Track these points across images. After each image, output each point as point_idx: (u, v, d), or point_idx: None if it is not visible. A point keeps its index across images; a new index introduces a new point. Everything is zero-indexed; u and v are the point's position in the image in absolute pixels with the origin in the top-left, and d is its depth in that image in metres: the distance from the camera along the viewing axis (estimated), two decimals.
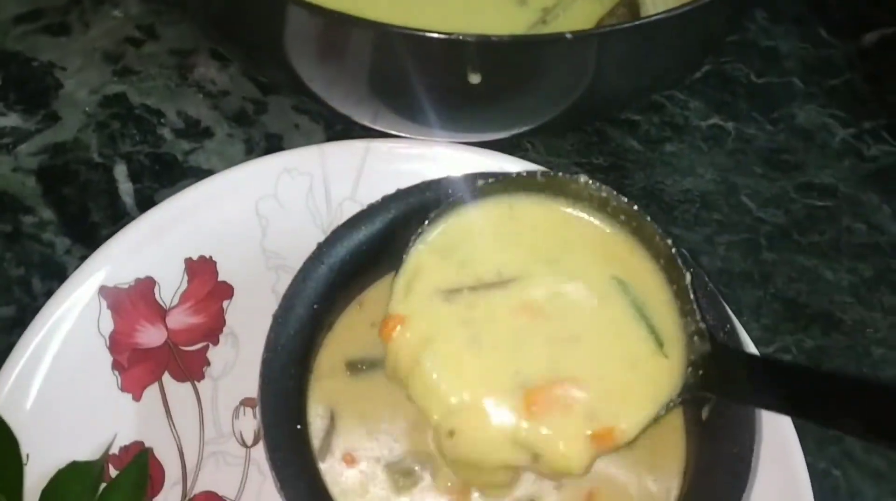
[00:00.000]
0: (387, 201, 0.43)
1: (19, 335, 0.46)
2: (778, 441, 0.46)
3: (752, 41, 0.63)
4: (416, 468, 0.41)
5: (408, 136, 0.52)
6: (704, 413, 0.40)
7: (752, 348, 0.47)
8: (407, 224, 0.43)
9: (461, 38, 0.40)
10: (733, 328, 0.41)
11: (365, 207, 0.43)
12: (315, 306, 0.41)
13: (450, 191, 0.43)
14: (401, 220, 0.43)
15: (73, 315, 0.47)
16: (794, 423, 0.45)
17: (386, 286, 0.42)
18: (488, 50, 0.41)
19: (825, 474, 0.49)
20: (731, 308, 0.43)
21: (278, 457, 0.37)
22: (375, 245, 0.43)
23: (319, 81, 0.49)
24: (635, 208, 0.41)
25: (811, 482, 0.45)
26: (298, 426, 0.38)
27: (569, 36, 0.41)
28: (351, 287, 0.43)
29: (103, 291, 0.48)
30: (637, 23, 0.42)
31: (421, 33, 0.40)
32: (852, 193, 0.57)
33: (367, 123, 0.51)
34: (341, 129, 0.57)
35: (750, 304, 0.53)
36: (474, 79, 0.44)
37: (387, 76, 0.46)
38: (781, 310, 0.53)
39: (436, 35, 0.40)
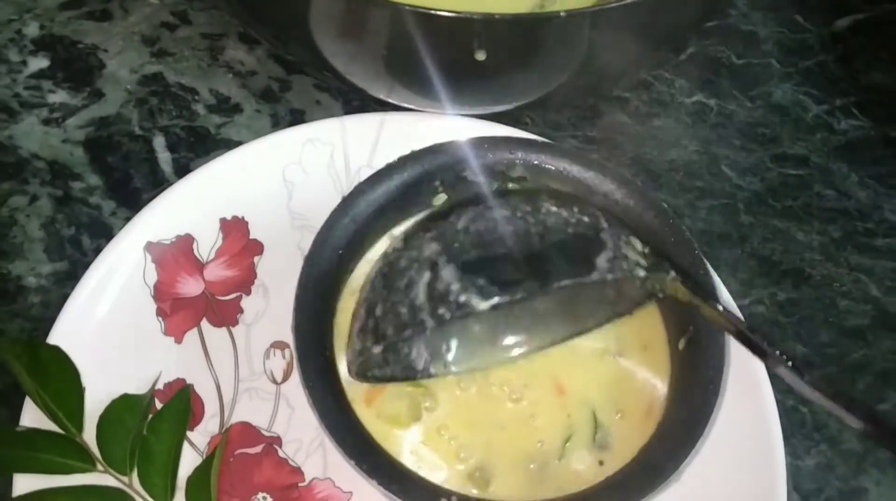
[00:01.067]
0: (402, 160, 0.48)
1: (72, 287, 0.52)
2: (749, 380, 0.51)
3: (733, 26, 0.68)
4: None
5: (419, 109, 0.58)
6: (681, 344, 0.46)
7: (727, 297, 0.53)
8: (419, 182, 0.49)
9: (468, 16, 0.46)
10: (707, 273, 0.46)
11: (383, 166, 0.48)
12: (340, 252, 0.46)
13: (459, 152, 0.49)
14: (414, 177, 0.49)
15: (122, 268, 0.53)
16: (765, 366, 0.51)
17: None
18: (492, 27, 0.47)
19: (793, 410, 0.55)
20: (711, 264, 0.48)
21: (310, 378, 0.42)
22: (392, 199, 0.48)
23: (339, 58, 0.54)
24: None
25: (780, 418, 0.50)
26: (326, 355, 0.44)
27: (563, 14, 0.46)
28: (370, 236, 0.49)
29: (149, 246, 0.54)
30: (625, 3, 0.48)
31: (431, 11, 0.46)
32: (823, 163, 0.63)
33: (382, 97, 0.57)
34: (358, 104, 0.63)
35: (728, 261, 0.59)
36: (480, 55, 0.50)
37: (401, 53, 0.52)
38: (756, 267, 0.59)
39: (445, 13, 0.46)
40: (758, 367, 0.51)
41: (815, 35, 0.68)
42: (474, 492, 0.44)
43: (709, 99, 0.65)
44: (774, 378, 0.51)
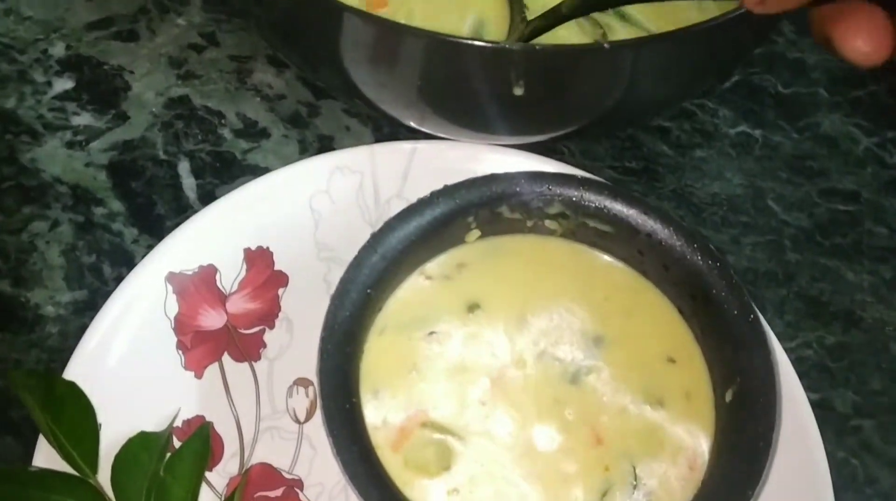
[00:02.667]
0: (435, 195, 0.46)
1: (91, 317, 0.50)
2: (798, 431, 0.48)
3: (780, 53, 0.65)
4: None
5: (452, 138, 0.56)
6: (728, 396, 0.43)
7: (774, 342, 0.50)
8: (452, 217, 0.47)
9: (507, 47, 0.44)
10: (756, 319, 0.44)
11: (415, 201, 0.46)
12: (368, 291, 0.44)
13: (494, 187, 0.47)
14: (447, 213, 0.46)
15: (142, 299, 0.51)
16: (815, 415, 0.48)
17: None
18: (532, 59, 0.44)
19: (844, 463, 0.52)
20: (756, 305, 0.46)
21: (334, 425, 0.40)
22: (423, 235, 0.46)
23: (371, 85, 0.52)
24: None
25: (830, 470, 0.47)
26: (353, 400, 0.42)
27: (606, 46, 0.44)
28: (400, 273, 0.47)
29: (171, 276, 0.52)
30: (670, 32, 0.45)
31: (469, 42, 0.44)
32: (874, 198, 0.60)
33: (414, 124, 0.55)
34: (388, 131, 0.61)
35: (774, 302, 0.56)
36: (518, 90, 0.48)
37: (435, 83, 0.50)
38: (804, 308, 0.56)
39: (483, 44, 0.44)
40: (807, 418, 0.49)
41: None
42: None
43: (754, 129, 0.62)
44: (824, 430, 0.48)
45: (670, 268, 0.46)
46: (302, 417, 0.50)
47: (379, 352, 0.46)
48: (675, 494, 0.43)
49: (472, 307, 0.47)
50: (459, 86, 0.49)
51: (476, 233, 0.48)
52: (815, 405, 0.49)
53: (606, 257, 0.49)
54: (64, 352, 0.50)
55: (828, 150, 0.62)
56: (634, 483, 0.43)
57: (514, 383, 0.46)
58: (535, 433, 0.44)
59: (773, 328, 0.50)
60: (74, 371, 0.48)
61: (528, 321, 0.47)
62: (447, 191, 0.46)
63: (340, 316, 0.43)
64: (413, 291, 0.48)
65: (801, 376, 0.49)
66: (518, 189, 0.47)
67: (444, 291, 0.48)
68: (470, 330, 0.47)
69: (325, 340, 0.42)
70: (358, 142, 0.59)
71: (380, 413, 0.44)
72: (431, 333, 0.47)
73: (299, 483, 0.48)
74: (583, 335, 0.47)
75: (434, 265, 0.48)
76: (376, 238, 0.45)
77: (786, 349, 0.50)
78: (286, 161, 0.57)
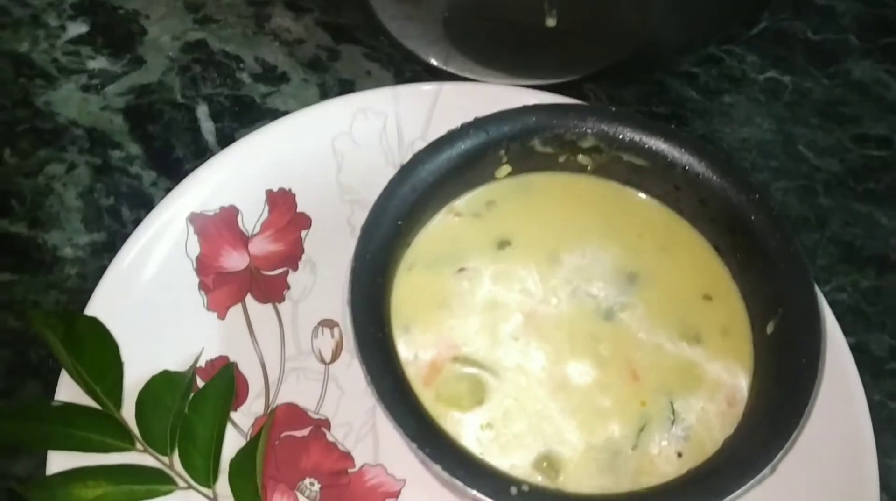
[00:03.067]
0: (466, 127, 0.45)
1: (110, 259, 0.49)
2: (837, 372, 0.47)
3: (809, 0, 0.64)
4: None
5: (476, 79, 0.55)
6: (769, 328, 0.42)
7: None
8: (483, 151, 0.46)
9: None
10: (798, 251, 0.43)
11: (445, 132, 0.45)
12: (399, 223, 0.43)
13: (526, 120, 0.45)
14: (478, 146, 0.45)
15: (164, 239, 0.50)
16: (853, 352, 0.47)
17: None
18: None
19: (881, 406, 0.51)
20: None
21: (367, 355, 0.39)
22: (453, 169, 0.45)
23: (396, 21, 0.51)
24: None
25: None
26: (385, 331, 0.41)
27: None
28: (430, 207, 0.45)
29: (192, 217, 0.51)
30: None
31: None
32: None
33: (438, 63, 0.54)
34: (410, 76, 0.59)
35: (807, 246, 0.55)
36: (551, 21, 0.47)
37: (463, 15, 0.48)
38: (837, 252, 0.55)
39: None
40: (846, 359, 0.48)
41: (894, 10, 0.64)
42: (542, 482, 0.40)
43: (783, 76, 0.61)
44: (860, 374, 0.47)
45: (708, 202, 0.45)
46: (328, 357, 0.49)
47: (408, 288, 0.45)
48: (713, 430, 0.42)
49: (503, 244, 0.46)
50: (488, 16, 0.47)
51: (507, 168, 0.47)
52: (850, 349, 0.48)
53: (640, 195, 0.48)
54: (83, 294, 0.49)
55: (859, 96, 0.60)
56: (672, 418, 0.42)
57: (547, 319, 0.44)
58: (570, 368, 0.43)
59: None
60: (95, 310, 0.47)
61: (561, 259, 0.46)
62: (478, 123, 0.45)
63: (371, 247, 0.42)
64: (442, 228, 0.47)
65: (837, 319, 0.48)
66: (551, 122, 0.45)
67: (473, 228, 0.47)
68: (500, 267, 0.46)
69: (355, 270, 0.41)
70: (379, 86, 0.58)
71: (410, 349, 0.43)
72: (461, 269, 0.45)
73: (326, 423, 0.47)
74: (616, 273, 0.46)
75: (463, 202, 0.47)
76: (406, 170, 0.44)
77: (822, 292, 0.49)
78: (306, 105, 0.55)
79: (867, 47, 0.62)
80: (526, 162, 0.47)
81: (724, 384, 0.43)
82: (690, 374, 0.44)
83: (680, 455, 0.42)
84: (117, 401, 0.45)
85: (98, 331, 0.45)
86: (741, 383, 0.43)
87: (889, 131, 0.59)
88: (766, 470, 0.37)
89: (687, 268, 0.46)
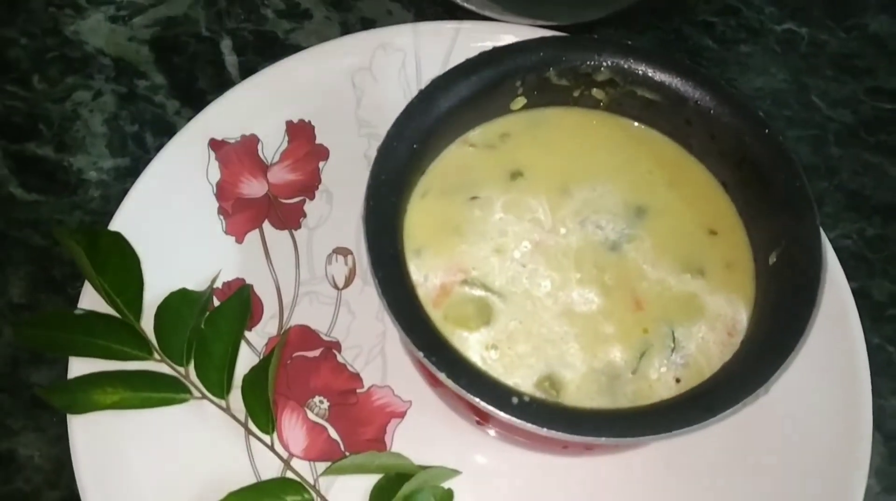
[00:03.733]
0: (484, 56, 0.46)
1: (132, 183, 0.50)
2: (838, 314, 0.48)
3: None
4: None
5: (496, 18, 0.55)
6: (772, 259, 0.43)
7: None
8: (499, 81, 0.47)
9: None
10: (804, 185, 0.43)
11: (462, 61, 0.46)
12: (414, 146, 0.44)
13: (543, 51, 0.46)
14: (494, 76, 0.46)
15: (185, 162, 0.52)
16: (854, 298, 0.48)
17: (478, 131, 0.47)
18: None
19: (879, 349, 0.51)
20: None
21: (379, 267, 0.40)
22: (469, 97, 0.46)
23: None
24: None
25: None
26: (398, 248, 0.42)
27: None
28: (445, 135, 0.46)
29: (213, 143, 0.52)
30: None
31: None
32: None
33: (458, 1, 0.55)
34: (431, 16, 0.60)
35: (815, 194, 0.54)
36: None
37: None
38: (844, 200, 0.55)
39: None
40: (847, 301, 0.48)
41: None
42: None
43: (800, 27, 0.61)
44: (861, 317, 0.48)
45: (717, 137, 0.46)
46: (340, 283, 0.51)
47: (421, 214, 0.46)
48: (713, 358, 0.43)
49: (515, 175, 0.47)
50: None
51: (522, 100, 0.48)
52: (853, 294, 0.49)
53: (651, 131, 0.48)
54: (106, 216, 0.51)
55: (875, 50, 0.61)
56: (672, 345, 0.43)
57: (555, 247, 0.46)
58: (575, 294, 0.44)
59: None
60: (118, 227, 0.49)
61: (571, 191, 0.47)
62: (496, 53, 0.46)
63: (386, 168, 0.43)
64: (457, 157, 0.48)
65: (840, 264, 0.49)
66: (567, 54, 0.46)
67: (487, 159, 0.48)
68: (512, 197, 0.47)
69: (370, 188, 0.42)
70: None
71: (421, 271, 0.44)
72: (474, 198, 0.47)
73: (337, 345, 0.49)
74: (625, 206, 0.47)
75: (478, 133, 0.48)
76: (424, 96, 0.45)
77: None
78: None
79: (885, 2, 0.62)
80: (541, 95, 0.48)
81: (724, 315, 0.44)
82: (692, 305, 0.45)
83: (678, 380, 0.43)
84: (137, 312, 0.46)
85: (120, 245, 0.47)
86: (741, 315, 0.44)
87: None
88: (761, 390, 0.38)
89: (694, 204, 0.47)
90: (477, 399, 0.38)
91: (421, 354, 0.39)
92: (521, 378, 0.42)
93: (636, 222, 0.47)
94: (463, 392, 0.38)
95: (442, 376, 0.38)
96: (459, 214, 0.46)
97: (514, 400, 0.38)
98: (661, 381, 0.43)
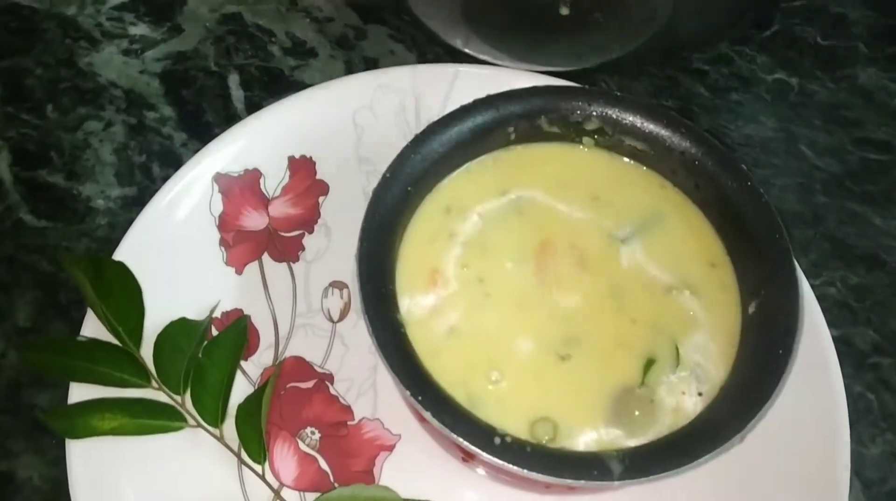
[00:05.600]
0: (477, 103, 0.48)
1: (139, 212, 0.52)
2: (818, 362, 0.49)
3: (822, 6, 0.66)
4: None
5: (494, 62, 0.57)
6: (751, 308, 0.44)
7: (800, 276, 0.51)
8: (492, 127, 0.49)
9: None
10: (783, 237, 0.45)
11: (457, 107, 0.48)
12: (408, 189, 0.46)
13: (535, 99, 0.48)
14: (488, 122, 0.48)
15: (189, 195, 0.53)
16: (835, 348, 0.49)
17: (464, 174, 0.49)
18: None
19: (860, 396, 0.53)
20: None
21: (369, 305, 0.42)
22: (463, 141, 0.48)
23: (420, 2, 0.54)
24: None
25: (847, 403, 0.48)
26: (389, 287, 0.44)
27: None
28: (438, 176, 0.48)
29: (217, 177, 0.54)
30: None
31: None
32: None
33: (458, 46, 0.56)
34: (432, 58, 0.62)
35: (800, 241, 0.57)
36: (564, 10, 0.49)
37: (481, 1, 0.51)
38: (830, 248, 0.57)
39: None
40: (828, 350, 0.50)
41: None
42: (545, 438, 0.43)
43: (790, 77, 0.63)
44: (843, 365, 0.49)
45: (701, 187, 0.47)
46: (336, 316, 0.52)
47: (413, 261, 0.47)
48: (719, 368, 0.44)
49: (503, 192, 0.49)
50: (506, 5, 0.50)
51: (515, 148, 0.50)
52: (835, 341, 0.50)
53: (643, 167, 0.50)
54: (112, 243, 0.52)
55: (863, 101, 0.62)
56: (678, 360, 0.44)
57: (548, 260, 0.47)
58: (562, 301, 0.46)
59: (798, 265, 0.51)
60: (122, 257, 0.50)
61: (562, 210, 0.48)
62: (489, 100, 0.48)
63: (381, 209, 0.45)
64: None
65: (824, 312, 0.50)
66: (558, 103, 0.48)
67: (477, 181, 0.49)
68: (504, 212, 0.48)
69: (365, 228, 0.44)
70: (402, 65, 0.61)
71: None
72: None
73: (330, 377, 0.50)
74: (615, 231, 0.48)
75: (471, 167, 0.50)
76: (419, 140, 0.47)
77: (810, 285, 0.51)
78: (332, 79, 0.59)
79: (875, 55, 0.64)
80: (533, 139, 0.50)
81: (723, 328, 0.45)
82: (689, 318, 0.46)
83: (700, 394, 0.44)
84: (137, 341, 0.48)
85: (124, 275, 0.49)
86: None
87: (890, 136, 0.61)
88: (735, 438, 0.40)
89: (687, 236, 0.48)
90: (460, 439, 0.39)
91: (407, 392, 0.40)
92: (521, 410, 0.43)
93: (627, 245, 0.48)
94: (447, 431, 0.39)
95: (427, 414, 0.40)
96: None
97: (497, 440, 0.40)
98: (674, 395, 0.44)
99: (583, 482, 0.39)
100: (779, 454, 0.47)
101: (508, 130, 0.49)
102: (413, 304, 0.45)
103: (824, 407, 0.49)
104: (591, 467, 0.39)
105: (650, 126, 0.48)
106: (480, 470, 0.47)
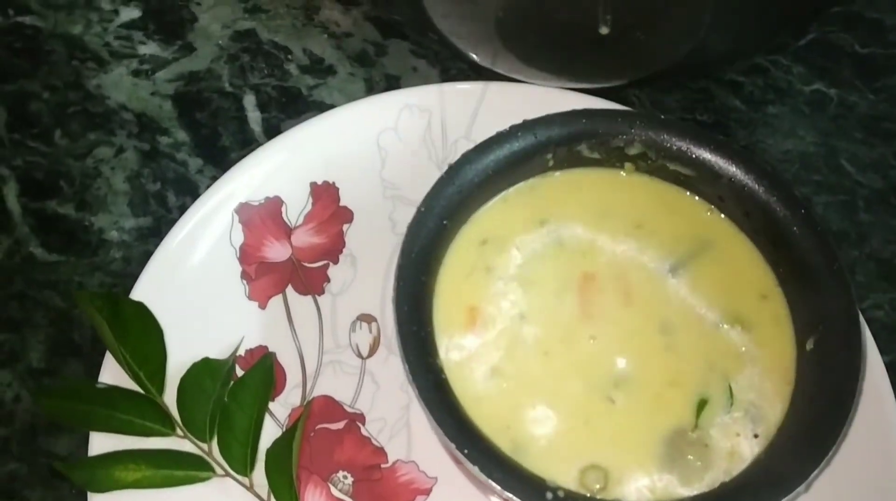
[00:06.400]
0: (514, 129, 0.45)
1: (155, 243, 0.50)
2: (871, 390, 0.47)
3: (858, 13, 0.63)
4: None
5: (522, 79, 0.55)
6: (809, 344, 0.42)
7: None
8: (530, 154, 0.46)
9: None
10: (841, 268, 0.43)
11: (494, 134, 0.45)
12: (444, 222, 0.44)
13: (574, 124, 0.46)
14: (525, 149, 0.46)
15: (209, 227, 0.51)
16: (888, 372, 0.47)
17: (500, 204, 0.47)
18: None
19: None
20: None
21: (409, 351, 0.40)
22: (500, 170, 0.45)
23: (447, 18, 0.51)
24: None
25: None
26: (428, 329, 0.41)
27: None
28: (475, 207, 0.46)
29: (237, 206, 0.52)
30: None
31: None
32: None
33: (485, 63, 0.54)
34: (456, 73, 0.60)
35: (845, 262, 0.54)
36: (604, 29, 0.47)
37: (516, 16, 0.49)
38: (876, 269, 0.55)
39: None
40: (880, 378, 0.47)
41: None
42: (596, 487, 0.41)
43: (829, 88, 0.60)
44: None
45: (751, 215, 0.45)
46: (365, 352, 0.50)
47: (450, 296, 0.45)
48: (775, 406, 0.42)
49: (542, 222, 0.46)
50: (541, 18, 0.48)
51: (553, 174, 0.47)
52: (887, 367, 0.48)
53: (687, 193, 0.47)
54: (127, 278, 0.50)
55: None
56: (731, 399, 0.42)
57: (591, 294, 0.45)
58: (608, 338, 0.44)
59: None
60: (140, 295, 0.48)
61: (605, 240, 0.46)
62: (527, 125, 0.45)
63: (417, 245, 0.42)
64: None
65: (873, 337, 0.48)
66: (599, 127, 0.46)
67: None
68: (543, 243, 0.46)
69: (401, 267, 0.41)
70: (425, 82, 0.58)
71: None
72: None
73: (361, 417, 0.48)
74: (660, 262, 0.46)
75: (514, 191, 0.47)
76: (454, 170, 0.44)
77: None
78: (352, 99, 0.56)
79: None
80: (572, 165, 0.47)
81: (776, 366, 0.43)
82: (741, 355, 0.44)
83: (756, 435, 0.42)
84: (160, 386, 0.46)
85: (144, 316, 0.46)
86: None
87: None
88: (801, 488, 0.37)
89: (735, 267, 0.46)
90: (510, 495, 0.37)
91: (452, 445, 0.38)
92: (570, 457, 0.41)
93: (674, 278, 0.45)
94: (497, 487, 0.37)
95: (475, 470, 0.37)
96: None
97: (549, 495, 0.37)
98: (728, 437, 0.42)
99: None
100: (837, 493, 0.45)
101: (547, 156, 0.46)
102: (452, 345, 0.43)
103: (881, 440, 0.47)
104: None
105: (696, 150, 0.45)
106: None
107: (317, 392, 0.49)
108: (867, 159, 0.58)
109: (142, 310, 0.46)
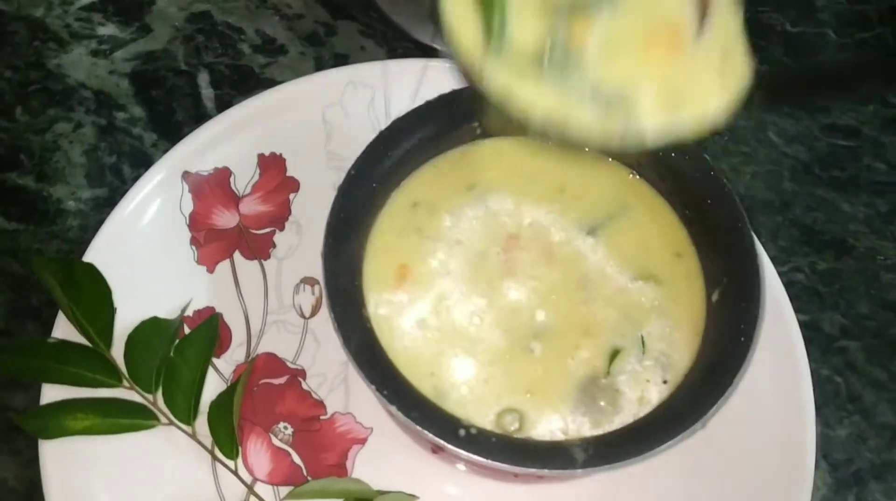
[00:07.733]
0: (443, 99, 0.48)
1: (110, 213, 0.52)
2: (785, 347, 0.50)
3: None
4: None
5: None
6: (715, 296, 0.45)
7: (766, 261, 0.51)
8: (458, 123, 0.49)
9: None
10: (745, 224, 0.45)
11: (424, 103, 0.48)
12: (374, 185, 0.46)
13: None
14: (455, 118, 0.48)
15: (159, 195, 0.53)
16: (802, 335, 0.50)
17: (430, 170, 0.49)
18: None
19: (828, 380, 0.53)
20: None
21: (335, 302, 0.42)
22: (429, 138, 0.48)
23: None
24: None
25: (814, 386, 0.49)
26: (356, 283, 0.44)
27: None
28: (404, 172, 0.48)
29: (186, 176, 0.54)
30: None
31: None
32: (875, 135, 0.61)
33: (426, 41, 0.57)
34: (402, 53, 0.62)
35: (769, 228, 0.57)
36: None
37: None
38: (798, 235, 0.57)
39: None
40: (794, 335, 0.50)
41: (874, 7, 0.66)
42: (511, 428, 0.43)
43: (760, 65, 0.63)
44: (811, 350, 0.50)
45: (666, 178, 0.48)
46: (307, 312, 0.53)
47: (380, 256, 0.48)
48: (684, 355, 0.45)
49: (470, 187, 0.49)
50: None
51: (481, 142, 0.50)
52: (803, 326, 0.50)
53: (609, 159, 0.50)
54: (83, 245, 0.52)
55: None
56: (643, 349, 0.45)
57: (515, 253, 0.47)
58: (530, 294, 0.46)
59: (766, 253, 0.52)
60: (92, 258, 0.51)
61: (529, 204, 0.49)
62: (455, 95, 0.48)
63: (346, 205, 0.45)
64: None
65: (792, 299, 0.51)
66: None
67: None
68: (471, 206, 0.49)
69: (330, 225, 0.44)
70: (372, 61, 0.61)
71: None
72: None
73: (302, 373, 0.51)
74: (581, 223, 0.48)
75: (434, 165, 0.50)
76: (384, 136, 0.47)
77: (778, 272, 0.52)
78: (302, 77, 0.59)
79: (844, 41, 0.65)
80: (500, 133, 0.50)
81: (687, 317, 0.46)
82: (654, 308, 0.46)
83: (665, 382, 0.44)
84: (108, 341, 0.48)
85: (94, 276, 0.49)
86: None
87: (857, 122, 0.61)
88: (697, 424, 0.40)
89: (652, 227, 0.48)
90: (425, 431, 0.40)
91: (373, 387, 0.40)
92: (489, 401, 0.44)
93: (592, 238, 0.48)
94: (412, 424, 0.40)
95: (392, 408, 0.40)
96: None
97: (462, 432, 0.40)
98: (639, 384, 0.44)
99: (547, 470, 0.40)
100: (745, 439, 0.48)
101: (474, 125, 0.49)
102: (381, 299, 0.46)
103: (791, 391, 0.50)
104: (554, 456, 0.40)
105: None
106: (460, 466, 0.48)
107: (261, 350, 0.51)
108: (793, 132, 0.61)
109: (92, 271, 0.49)
